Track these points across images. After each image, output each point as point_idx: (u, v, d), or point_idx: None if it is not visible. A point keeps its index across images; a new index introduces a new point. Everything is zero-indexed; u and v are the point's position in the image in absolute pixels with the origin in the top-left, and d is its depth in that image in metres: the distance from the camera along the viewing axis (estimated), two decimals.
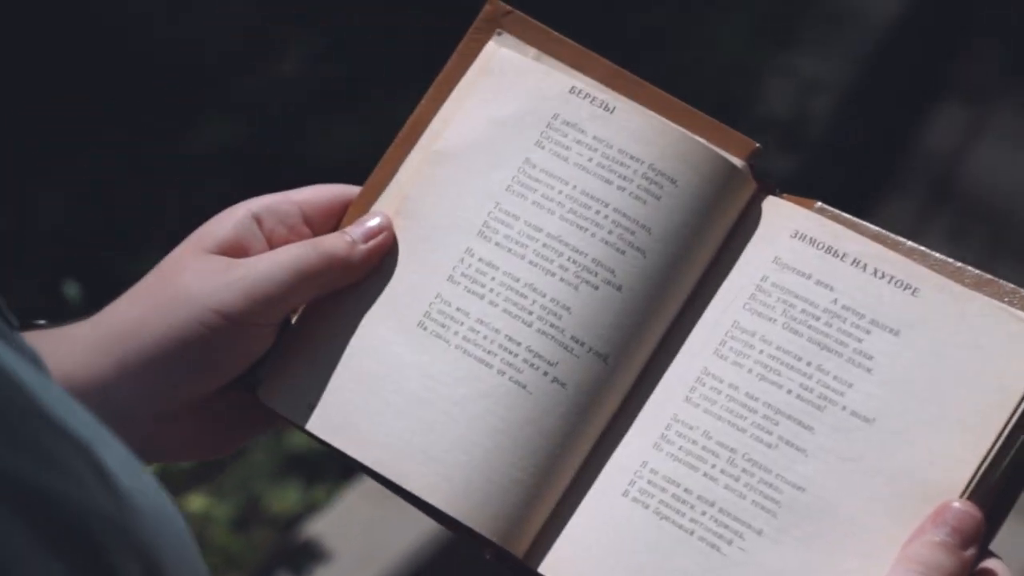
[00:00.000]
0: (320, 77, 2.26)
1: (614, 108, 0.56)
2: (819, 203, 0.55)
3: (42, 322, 0.55)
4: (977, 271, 0.52)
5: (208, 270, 0.53)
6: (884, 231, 0.54)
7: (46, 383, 0.29)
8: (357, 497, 1.64)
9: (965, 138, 2.37)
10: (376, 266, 0.56)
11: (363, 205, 0.58)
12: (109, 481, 0.27)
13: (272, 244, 0.55)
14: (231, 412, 0.57)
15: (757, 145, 0.56)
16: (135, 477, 0.29)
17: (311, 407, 0.54)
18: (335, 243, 0.55)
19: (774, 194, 0.56)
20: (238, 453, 1.58)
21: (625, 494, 0.52)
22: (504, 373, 0.53)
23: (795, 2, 2.54)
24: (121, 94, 2.13)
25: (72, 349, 0.53)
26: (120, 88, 2.13)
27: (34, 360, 0.30)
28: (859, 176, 2.37)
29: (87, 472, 0.26)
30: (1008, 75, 2.50)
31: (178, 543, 0.29)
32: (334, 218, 0.58)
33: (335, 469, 1.68)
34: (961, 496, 0.48)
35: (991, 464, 0.48)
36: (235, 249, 0.55)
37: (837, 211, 0.55)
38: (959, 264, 0.52)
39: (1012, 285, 0.51)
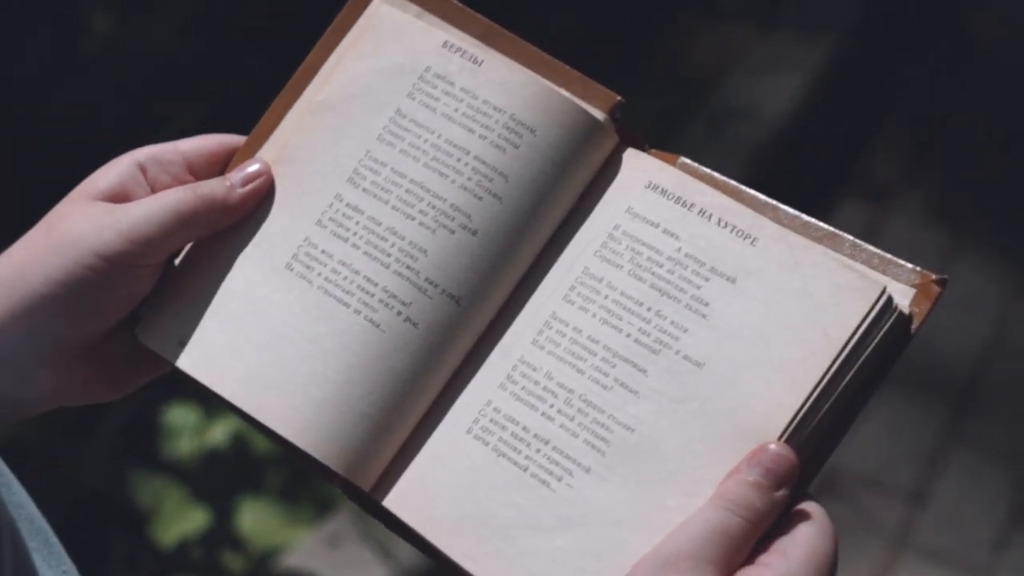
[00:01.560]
0: None
1: (482, 61, 0.57)
2: (682, 158, 0.57)
3: None
4: (826, 226, 0.53)
5: (90, 215, 0.55)
6: (742, 186, 0.55)
7: None
8: None
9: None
10: (253, 210, 0.58)
11: (248, 153, 0.60)
12: None
13: (155, 191, 0.57)
14: (120, 355, 0.59)
15: (619, 99, 0.57)
16: None
17: (181, 344, 0.57)
18: (213, 187, 0.57)
19: (640, 148, 0.57)
20: None
21: (469, 431, 0.53)
22: (360, 312, 0.55)
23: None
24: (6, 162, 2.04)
25: None
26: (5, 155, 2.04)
27: None
28: None
29: None
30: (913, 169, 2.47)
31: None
32: (218, 167, 0.60)
33: None
34: (779, 439, 0.49)
35: (810, 410, 0.49)
36: (119, 197, 0.57)
37: (698, 166, 0.56)
38: (808, 218, 0.54)
39: (854, 239, 0.52)
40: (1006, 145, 2.46)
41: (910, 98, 2.53)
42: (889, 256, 0.52)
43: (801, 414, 0.49)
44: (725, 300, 0.51)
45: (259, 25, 2.21)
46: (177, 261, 0.59)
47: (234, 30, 2.22)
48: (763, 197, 0.55)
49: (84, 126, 2.06)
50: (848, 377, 0.49)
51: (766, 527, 0.47)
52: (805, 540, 0.47)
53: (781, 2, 2.55)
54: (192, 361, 0.56)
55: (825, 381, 0.49)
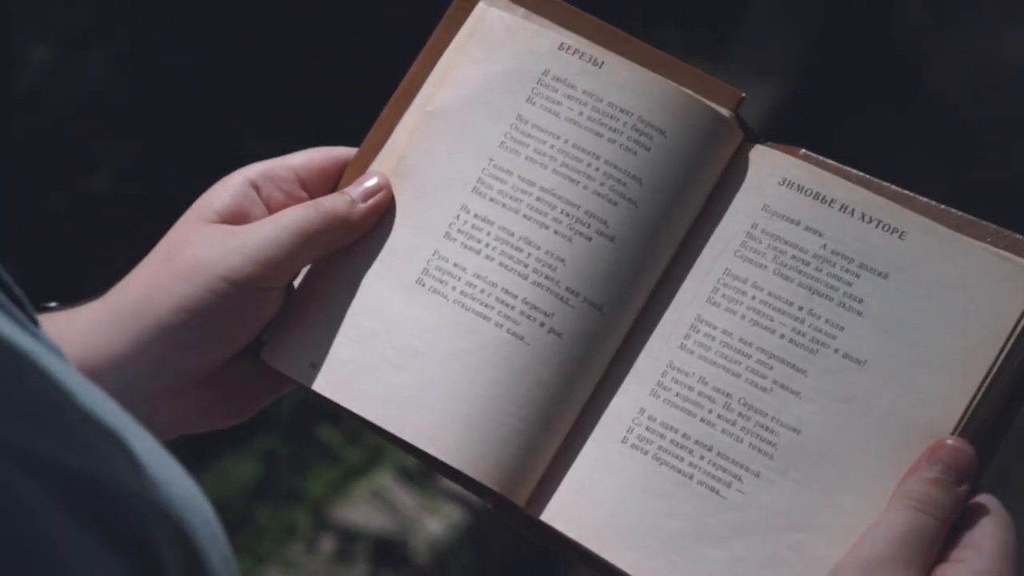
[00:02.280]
0: (128, 195, 2.13)
1: (602, 63, 0.56)
2: (803, 150, 0.56)
3: (53, 304, 0.55)
4: (960, 212, 0.53)
5: (212, 239, 0.54)
6: (869, 176, 0.55)
7: (74, 375, 0.29)
8: None
9: None
10: (375, 225, 0.57)
11: (359, 166, 0.58)
12: (143, 471, 0.27)
13: (271, 209, 0.56)
14: (243, 378, 0.58)
15: (743, 95, 0.57)
16: (166, 467, 0.29)
17: (315, 366, 0.55)
18: (335, 202, 0.55)
19: (759, 143, 0.57)
20: None
21: (624, 441, 0.53)
22: (501, 325, 0.54)
23: None
24: None
25: (85, 329, 0.53)
26: None
27: (57, 352, 0.30)
28: None
29: (122, 461, 0.26)
30: None
31: (210, 532, 0.29)
32: (330, 181, 0.58)
33: None
34: (953, 433, 0.49)
35: (981, 401, 0.49)
36: (235, 217, 0.55)
37: (822, 158, 0.56)
38: (943, 206, 0.53)
39: (994, 226, 0.52)
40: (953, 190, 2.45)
41: (857, 140, 2.51)
42: None
43: (972, 407, 0.49)
44: (880, 296, 0.51)
45: (190, 64, 2.16)
46: (297, 282, 0.57)
47: (166, 70, 2.17)
48: (894, 187, 0.54)
49: (17, 160, 2.02)
50: (1015, 367, 0.50)
51: (951, 523, 0.48)
52: (993, 533, 0.47)
53: (728, 41, 2.53)
54: (327, 383, 0.55)
55: (993, 373, 0.49)
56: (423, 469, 1.65)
